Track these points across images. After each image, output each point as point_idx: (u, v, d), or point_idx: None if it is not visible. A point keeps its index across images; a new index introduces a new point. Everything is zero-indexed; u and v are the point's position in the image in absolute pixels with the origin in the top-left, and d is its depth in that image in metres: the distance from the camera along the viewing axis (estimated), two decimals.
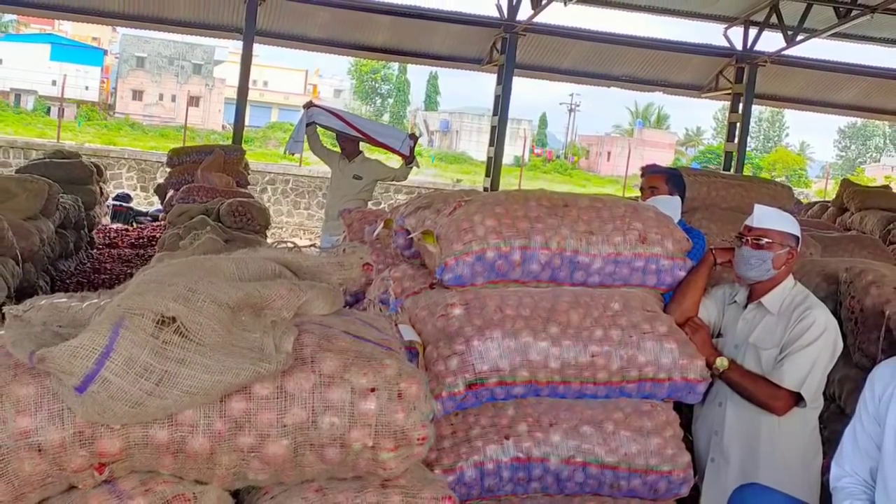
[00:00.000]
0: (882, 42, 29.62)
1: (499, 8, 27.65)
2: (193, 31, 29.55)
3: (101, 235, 21.09)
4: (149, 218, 27.15)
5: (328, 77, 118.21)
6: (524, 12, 26.70)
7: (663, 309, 5.94)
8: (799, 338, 5.81)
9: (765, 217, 6.08)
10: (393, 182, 20.01)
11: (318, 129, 14.84)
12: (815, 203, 24.39)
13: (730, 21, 28.84)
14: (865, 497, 4.84)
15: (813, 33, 27.00)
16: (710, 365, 5.77)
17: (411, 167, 15.17)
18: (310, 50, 29.79)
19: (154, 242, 18.78)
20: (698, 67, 30.69)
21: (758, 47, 29.02)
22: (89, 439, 3.06)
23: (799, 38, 27.33)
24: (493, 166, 28.91)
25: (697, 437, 6.30)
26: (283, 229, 35.66)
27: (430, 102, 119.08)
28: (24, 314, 3.45)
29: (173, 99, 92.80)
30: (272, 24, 27.17)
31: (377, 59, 78.25)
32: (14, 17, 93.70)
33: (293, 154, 19.90)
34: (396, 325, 4.68)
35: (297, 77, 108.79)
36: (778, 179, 35.23)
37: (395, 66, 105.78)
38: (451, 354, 5.21)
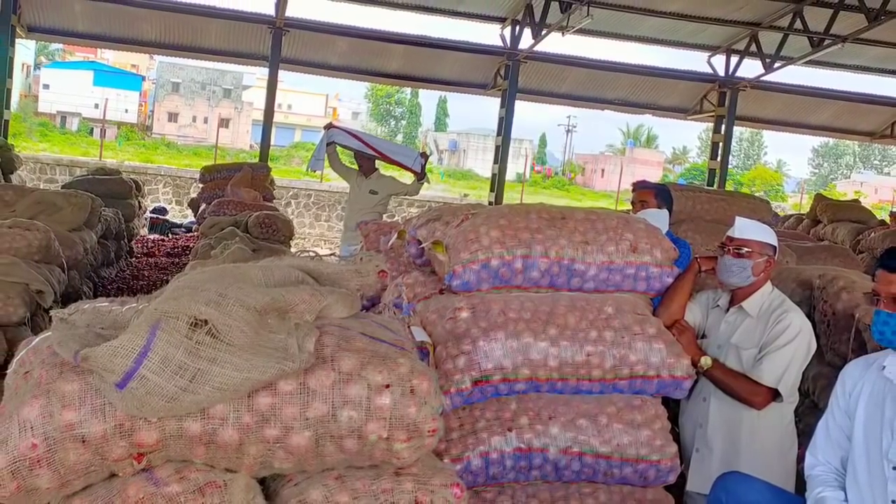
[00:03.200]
0: (852, 69, 29.75)
1: (502, 38, 27.78)
2: (224, 59, 29.74)
3: (139, 245, 21.06)
4: (183, 229, 27.12)
5: (347, 101, 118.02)
6: (525, 42, 26.86)
7: (652, 312, 5.93)
8: (776, 339, 5.83)
9: (745, 228, 6.10)
10: (406, 196, 20.01)
11: (338, 148, 14.86)
12: (791, 216, 24.41)
13: (713, 50, 28.93)
14: (837, 484, 4.87)
15: (789, 61, 27.08)
16: (695, 363, 5.77)
17: (422, 183, 15.18)
18: (330, 76, 29.98)
19: (188, 252, 18.73)
20: (684, 92, 30.73)
21: (739, 73, 29.10)
22: (129, 431, 3.06)
23: (776, 65, 27.43)
24: (497, 182, 29.01)
25: (683, 430, 6.30)
26: (306, 240, 35.65)
27: (440, 124, 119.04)
28: (70, 317, 3.45)
29: (205, 121, 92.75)
30: (295, 53, 27.26)
31: (391, 85, 78.60)
32: (60, 46, 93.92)
33: (315, 171, 19.90)
34: (409, 327, 4.67)
35: (319, 101, 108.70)
36: (757, 194, 35.09)
37: (408, 90, 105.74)
38: (458, 354, 5.21)
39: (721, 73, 29.31)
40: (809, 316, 6.49)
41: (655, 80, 30.08)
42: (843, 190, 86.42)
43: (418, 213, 7.21)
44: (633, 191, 8.39)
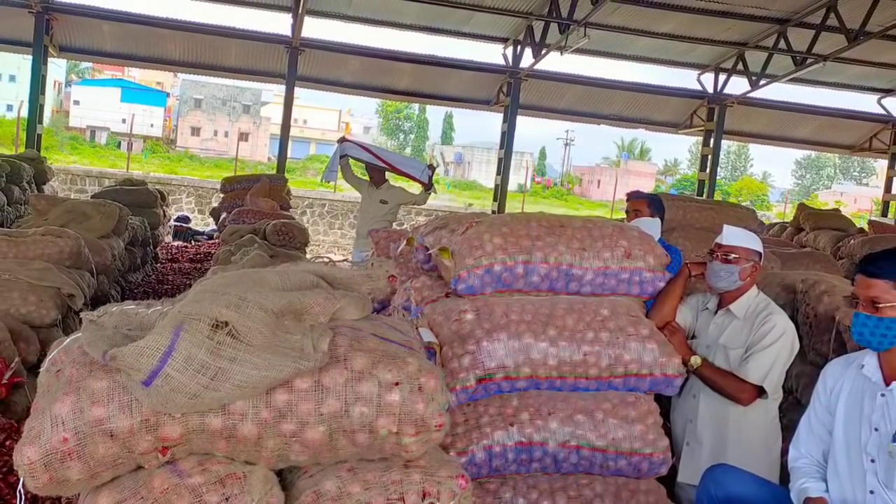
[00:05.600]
0: (832, 86, 29.86)
1: (505, 57, 27.88)
2: (243, 77, 29.83)
3: (164, 252, 21.08)
4: (205, 237, 27.11)
5: (359, 116, 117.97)
6: (526, 60, 26.91)
7: (645, 314, 5.94)
8: (762, 339, 5.84)
9: (732, 236, 6.11)
10: (414, 206, 19.98)
11: (350, 160, 14.85)
12: (776, 224, 24.40)
13: (702, 68, 28.97)
14: (818, 476, 4.89)
15: (774, 78, 27.10)
16: (685, 362, 5.78)
17: (430, 193, 15.17)
18: (343, 93, 30.03)
19: (209, 258, 18.76)
20: (676, 108, 30.75)
21: (726, 90, 29.14)
22: (154, 426, 3.07)
23: (762, 82, 27.44)
24: (500, 192, 29.09)
25: (674, 425, 6.30)
26: (320, 246, 35.60)
27: (446, 138, 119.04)
28: (99, 319, 3.46)
29: (226, 135, 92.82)
30: (311, 71, 27.34)
31: (401, 101, 78.13)
32: (90, 64, 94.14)
33: (329, 182, 19.98)
34: (417, 328, 4.67)
35: (332, 116, 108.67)
36: (743, 204, 35.06)
37: (416, 106, 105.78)
38: (464, 353, 5.22)
39: (710, 90, 29.34)
40: (793, 318, 6.50)
41: (648, 97, 30.13)
42: (824, 200, 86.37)
43: (426, 221, 7.22)
44: (628, 200, 8.41)
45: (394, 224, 15.29)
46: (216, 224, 20.74)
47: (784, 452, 5.70)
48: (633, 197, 8.40)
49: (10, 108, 78.19)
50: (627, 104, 30.35)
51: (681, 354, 5.74)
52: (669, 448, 5.57)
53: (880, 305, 4.58)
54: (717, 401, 5.98)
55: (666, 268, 6.06)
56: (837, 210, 23.82)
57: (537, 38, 25.50)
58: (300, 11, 24.21)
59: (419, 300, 6.02)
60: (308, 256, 13.13)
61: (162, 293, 15.09)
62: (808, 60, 24.84)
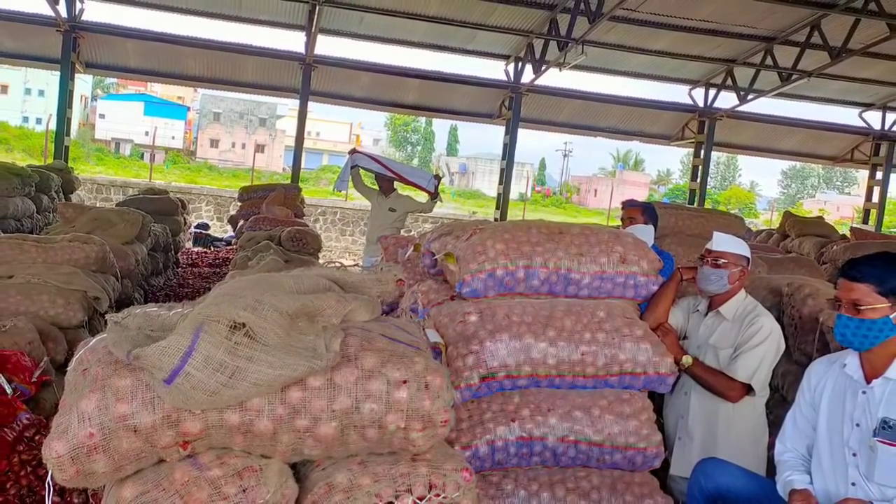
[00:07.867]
0: (816, 100, 29.84)
1: (507, 73, 27.90)
2: (260, 92, 29.84)
3: (184, 257, 21.08)
4: (223, 243, 27.10)
5: (369, 129, 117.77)
6: (527, 76, 26.95)
7: (640, 316, 5.94)
8: (749, 339, 5.84)
9: (722, 242, 6.12)
10: (421, 213, 19.91)
11: (361, 171, 14.85)
12: (763, 231, 24.38)
13: (693, 83, 28.97)
14: (803, 469, 4.91)
15: (761, 93, 27.06)
16: (677, 362, 5.78)
17: (436, 201, 15.15)
18: (354, 107, 30.08)
19: (227, 263, 18.76)
20: (668, 121, 30.75)
21: (716, 105, 29.13)
22: (175, 422, 3.07)
23: (749, 97, 27.42)
24: (502, 201, 29.09)
25: (667, 420, 6.30)
26: (332, 252, 35.53)
27: (451, 149, 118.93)
28: (123, 321, 3.45)
29: (243, 146, 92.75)
30: (323, 86, 27.36)
31: (408, 115, 78.61)
32: (114, 80, 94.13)
33: (340, 191, 19.89)
34: (424, 329, 4.67)
35: (344, 129, 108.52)
36: (732, 212, 35.03)
37: (423, 119, 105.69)
38: (468, 353, 5.22)
39: (700, 104, 29.32)
40: (779, 320, 6.49)
41: (642, 111, 30.13)
42: (808, 208, 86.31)
43: (432, 228, 7.21)
44: (623, 209, 8.41)
45: (402, 231, 15.28)
46: (234, 231, 20.75)
47: (770, 447, 5.70)
48: (628, 205, 8.40)
49: (39, 121, 78.39)
50: (622, 117, 30.37)
51: (673, 354, 5.75)
52: (662, 442, 5.58)
53: (862, 308, 4.59)
54: (707, 398, 5.98)
55: (659, 272, 6.06)
56: (821, 218, 23.81)
57: (537, 55, 25.51)
58: (313, 30, 24.31)
59: (426, 303, 6.03)
60: (321, 261, 13.13)
61: (182, 296, 15.10)
62: (794, 76, 24.87)
